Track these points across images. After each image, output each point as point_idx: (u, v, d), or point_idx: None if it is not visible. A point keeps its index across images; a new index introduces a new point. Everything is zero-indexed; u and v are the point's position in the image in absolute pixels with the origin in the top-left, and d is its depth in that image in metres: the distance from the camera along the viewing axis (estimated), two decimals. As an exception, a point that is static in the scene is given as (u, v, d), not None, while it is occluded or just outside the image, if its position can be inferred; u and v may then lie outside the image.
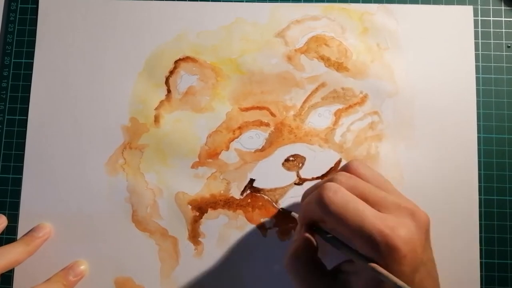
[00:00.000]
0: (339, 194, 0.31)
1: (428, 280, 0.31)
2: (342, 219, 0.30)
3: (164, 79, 0.44)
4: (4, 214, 0.43)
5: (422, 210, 0.32)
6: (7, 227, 0.43)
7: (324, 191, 0.32)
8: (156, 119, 0.44)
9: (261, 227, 0.42)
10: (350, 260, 0.33)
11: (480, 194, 0.42)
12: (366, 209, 0.30)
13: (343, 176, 0.33)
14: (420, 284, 0.30)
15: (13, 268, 0.42)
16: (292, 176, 0.43)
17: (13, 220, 0.43)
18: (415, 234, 0.30)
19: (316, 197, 0.32)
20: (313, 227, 0.35)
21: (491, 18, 0.45)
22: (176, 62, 0.45)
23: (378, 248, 0.29)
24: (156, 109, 0.44)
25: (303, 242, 0.34)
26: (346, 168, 0.35)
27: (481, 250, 0.42)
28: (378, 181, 0.34)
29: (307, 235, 0.35)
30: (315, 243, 0.34)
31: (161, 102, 0.44)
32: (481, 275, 0.41)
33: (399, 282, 0.28)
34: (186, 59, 0.45)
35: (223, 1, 0.46)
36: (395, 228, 0.29)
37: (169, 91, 0.44)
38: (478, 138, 0.43)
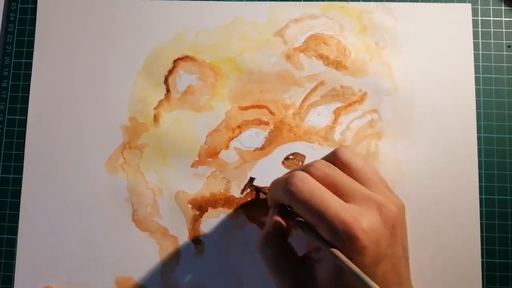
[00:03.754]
0: (306, 182, 0.32)
1: (392, 274, 0.31)
2: (307, 207, 0.31)
3: (163, 79, 0.44)
4: (4, 214, 0.43)
5: (393, 205, 0.32)
6: (7, 227, 0.43)
7: (291, 179, 0.32)
8: (156, 118, 0.44)
9: (262, 225, 0.42)
10: (317, 248, 0.33)
11: (480, 193, 0.42)
12: (331, 199, 0.31)
13: (319, 163, 0.34)
14: (383, 277, 0.31)
15: (14, 268, 0.42)
16: (292, 175, 0.43)
17: (13, 220, 0.43)
18: (379, 227, 0.30)
19: (283, 183, 0.32)
20: (284, 210, 0.36)
21: (491, 18, 0.45)
22: (175, 61, 0.45)
23: (338, 237, 0.29)
24: (155, 108, 0.44)
25: (273, 227, 0.35)
26: (333, 154, 0.35)
27: (482, 249, 0.41)
28: (360, 170, 0.34)
29: (278, 219, 0.35)
30: (285, 227, 0.35)
31: (160, 101, 0.44)
32: (482, 275, 0.41)
33: (357, 269, 0.29)
34: (185, 58, 0.45)
35: (222, 0, 0.46)
36: (358, 219, 0.30)
37: (168, 90, 0.44)
38: (479, 137, 0.43)
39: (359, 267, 0.29)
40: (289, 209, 0.35)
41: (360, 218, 0.30)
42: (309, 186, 0.31)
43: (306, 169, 0.33)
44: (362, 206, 0.31)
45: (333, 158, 0.35)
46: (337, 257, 0.29)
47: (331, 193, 0.31)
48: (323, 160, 0.35)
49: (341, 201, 0.31)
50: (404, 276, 0.33)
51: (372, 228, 0.30)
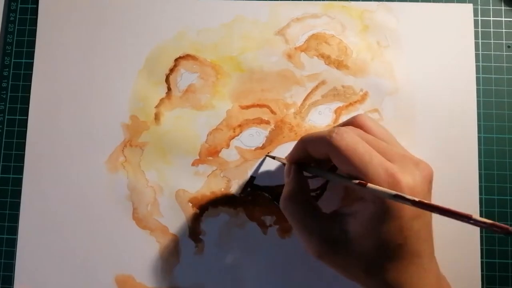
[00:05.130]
0: (350, 135, 0.32)
1: (425, 232, 0.32)
2: (351, 158, 0.31)
3: (165, 77, 0.44)
4: (4, 214, 0.43)
5: (426, 162, 0.33)
6: (7, 227, 0.43)
7: (334, 133, 0.32)
8: (157, 117, 0.44)
9: (262, 224, 0.42)
10: (348, 203, 0.34)
11: (480, 193, 0.42)
12: (374, 151, 0.31)
13: (348, 127, 0.34)
14: (418, 232, 0.31)
15: (14, 268, 0.42)
16: (292, 174, 0.43)
17: (13, 220, 0.43)
18: (419, 182, 0.31)
19: (325, 136, 0.32)
20: (305, 167, 0.36)
21: (491, 18, 0.45)
22: (176, 60, 0.45)
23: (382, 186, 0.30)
24: (156, 107, 0.44)
25: (297, 184, 0.35)
26: (351, 122, 0.36)
27: (482, 249, 0.41)
28: (382, 134, 0.35)
29: (300, 176, 0.35)
30: (308, 184, 0.36)
31: (162, 100, 0.44)
32: (482, 275, 0.41)
33: (393, 192, 0.28)
34: (186, 57, 0.45)
35: (223, -1, 0.46)
36: (401, 172, 0.30)
37: (169, 89, 0.44)
38: (479, 138, 0.43)
39: (398, 220, 0.30)
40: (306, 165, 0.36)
41: (403, 172, 0.30)
42: (353, 138, 0.32)
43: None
44: (401, 164, 0.31)
45: (352, 124, 0.35)
46: (375, 190, 0.29)
47: (372, 149, 0.32)
48: (348, 125, 0.35)
49: (382, 157, 0.31)
50: (431, 236, 0.33)
51: (414, 182, 0.30)
